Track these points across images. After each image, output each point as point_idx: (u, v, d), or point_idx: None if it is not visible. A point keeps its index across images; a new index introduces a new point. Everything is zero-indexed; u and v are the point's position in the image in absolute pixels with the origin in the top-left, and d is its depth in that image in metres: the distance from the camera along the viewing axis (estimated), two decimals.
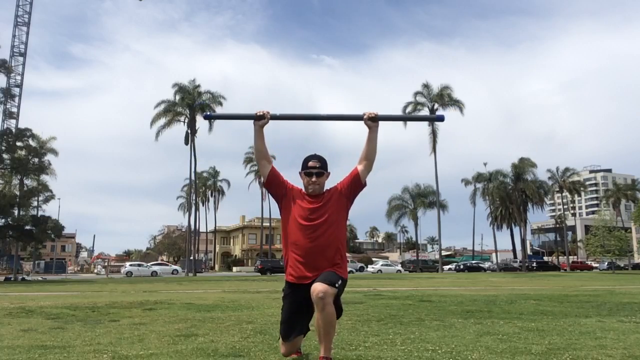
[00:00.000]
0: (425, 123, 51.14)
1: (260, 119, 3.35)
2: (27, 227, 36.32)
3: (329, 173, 3.45)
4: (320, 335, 3.14)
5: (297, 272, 3.33)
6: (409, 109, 51.13)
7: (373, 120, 3.33)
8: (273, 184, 3.45)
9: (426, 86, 51.11)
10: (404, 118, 4.31)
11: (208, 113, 4.05)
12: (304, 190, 3.42)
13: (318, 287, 3.07)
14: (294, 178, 3.53)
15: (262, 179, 3.58)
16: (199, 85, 45.58)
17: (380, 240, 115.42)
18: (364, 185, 3.42)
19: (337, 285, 3.16)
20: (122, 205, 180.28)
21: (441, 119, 3.62)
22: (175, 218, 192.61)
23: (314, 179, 3.34)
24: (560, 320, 6.14)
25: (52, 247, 75.69)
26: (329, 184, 3.48)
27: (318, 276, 3.21)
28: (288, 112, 3.46)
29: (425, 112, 51.25)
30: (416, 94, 51.39)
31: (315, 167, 3.36)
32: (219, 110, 46.10)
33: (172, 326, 5.57)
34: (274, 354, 3.84)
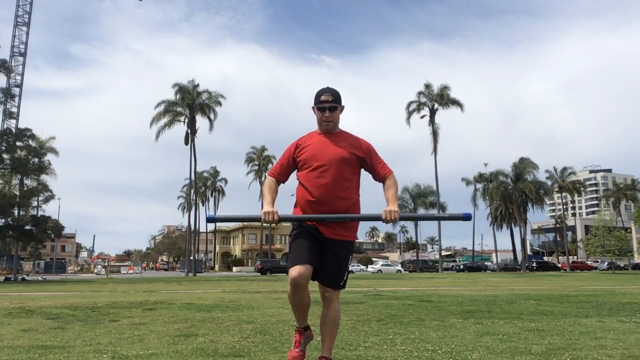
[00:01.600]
0: (426, 120, 51.44)
1: (267, 222, 3.07)
2: (27, 227, 36.35)
3: (343, 107, 3.27)
4: (323, 334, 3.14)
5: (306, 210, 3.15)
6: (411, 108, 51.54)
7: (393, 222, 3.13)
8: (286, 175, 3.30)
9: (427, 86, 51.37)
10: (428, 218, 3.80)
11: (211, 215, 3.31)
12: (317, 128, 3.27)
13: (325, 287, 3.11)
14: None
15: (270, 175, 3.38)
16: (197, 85, 45.61)
17: (380, 240, 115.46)
18: (375, 179, 3.29)
19: (342, 283, 3.15)
20: (122, 205, 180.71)
21: (468, 217, 3.22)
22: (175, 218, 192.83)
23: (327, 114, 3.17)
24: (560, 320, 6.14)
25: (52, 247, 75.71)
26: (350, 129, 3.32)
27: (329, 225, 3.09)
28: (298, 215, 3.17)
29: (426, 112, 51.47)
30: (419, 93, 51.65)
31: (327, 100, 3.17)
32: (218, 109, 46.16)
33: (172, 326, 5.56)
34: (274, 354, 3.84)
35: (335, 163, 3.12)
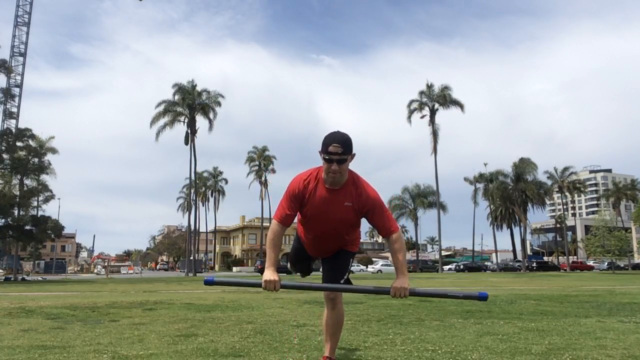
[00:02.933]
0: (426, 120, 51.53)
1: (269, 290, 2.94)
2: (27, 227, 36.32)
3: (354, 154, 2.95)
4: (327, 335, 3.15)
5: (307, 244, 3.34)
6: (413, 107, 51.72)
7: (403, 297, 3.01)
8: (294, 215, 3.12)
9: (429, 86, 51.52)
10: (442, 296, 3.58)
11: (210, 279, 3.18)
12: (323, 175, 3.00)
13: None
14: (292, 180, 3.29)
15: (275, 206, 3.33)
16: (196, 85, 45.63)
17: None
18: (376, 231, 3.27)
19: (343, 281, 3.21)
20: (122, 205, 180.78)
21: (484, 298, 3.06)
22: (175, 218, 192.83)
23: (334, 167, 2.85)
24: (560, 320, 6.14)
25: (52, 247, 75.74)
26: (360, 172, 3.15)
27: (329, 253, 3.25)
28: (300, 283, 3.15)
29: (426, 112, 51.59)
30: (421, 93, 51.78)
31: (336, 152, 2.82)
32: (218, 109, 46.17)
33: (172, 326, 5.56)
34: (274, 354, 3.84)
35: (335, 226, 3.10)
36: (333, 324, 3.12)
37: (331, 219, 3.03)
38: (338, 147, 2.83)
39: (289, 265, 3.60)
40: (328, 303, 3.11)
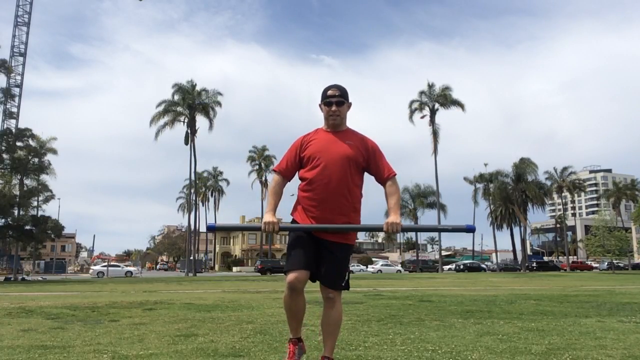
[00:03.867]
0: (426, 120, 51.54)
1: (267, 232, 3.09)
2: (27, 227, 36.34)
3: (351, 103, 3.22)
4: (325, 334, 3.15)
5: (304, 216, 3.14)
6: (414, 107, 51.74)
7: (395, 232, 3.11)
8: (294, 168, 3.21)
9: (430, 86, 51.56)
10: (431, 229, 3.57)
11: (212, 224, 3.21)
12: (323, 125, 3.23)
13: (327, 289, 3.10)
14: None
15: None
16: (196, 85, 45.61)
17: (380, 240, 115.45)
18: (379, 182, 3.24)
19: (344, 283, 3.15)
20: (122, 205, 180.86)
21: (471, 230, 3.22)
22: (175, 218, 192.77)
23: (333, 108, 3.12)
24: (560, 320, 6.14)
25: (52, 247, 75.75)
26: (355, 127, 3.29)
27: (329, 233, 3.07)
28: (299, 225, 3.13)
29: (426, 112, 51.62)
30: (421, 93, 51.81)
31: (334, 95, 3.14)
32: (217, 109, 46.16)
33: (172, 326, 5.56)
34: (274, 354, 3.84)
35: (340, 162, 3.08)
36: (331, 323, 3.11)
37: (335, 152, 3.10)
38: (336, 90, 3.15)
39: (285, 267, 3.19)
40: (327, 302, 3.10)
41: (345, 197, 3.10)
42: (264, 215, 3.11)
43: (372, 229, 3.18)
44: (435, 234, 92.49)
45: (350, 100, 3.21)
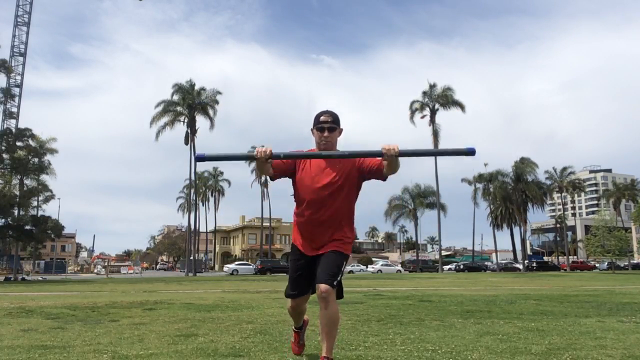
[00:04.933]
0: (426, 120, 51.54)
1: (259, 159, 3.00)
2: (27, 227, 36.32)
3: (342, 129, 3.31)
4: (323, 334, 3.14)
5: (301, 239, 3.32)
6: (415, 107, 51.73)
7: (394, 157, 3.05)
8: (281, 170, 3.27)
9: (432, 86, 51.57)
10: (429, 153, 3.42)
11: (201, 154, 3.11)
12: (315, 148, 3.30)
13: (321, 287, 3.09)
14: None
15: (269, 178, 3.41)
16: (195, 84, 45.60)
17: (380, 240, 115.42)
18: (384, 179, 3.23)
19: (338, 278, 3.18)
20: (122, 205, 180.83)
21: (472, 152, 3.10)
22: (175, 218, 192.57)
23: (325, 133, 3.20)
24: (560, 320, 6.14)
25: (52, 247, 75.78)
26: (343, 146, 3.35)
27: (323, 248, 3.21)
28: (293, 151, 3.22)
29: (427, 112, 51.63)
30: (424, 93, 51.80)
31: (327, 121, 3.22)
32: (217, 108, 46.12)
33: (172, 326, 5.56)
34: (274, 354, 3.84)
35: (331, 189, 3.19)
36: (327, 324, 3.10)
37: (325, 183, 3.19)
38: (328, 116, 3.24)
39: (285, 292, 3.47)
40: (321, 302, 3.09)
41: (338, 220, 3.26)
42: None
43: (369, 154, 3.13)
44: (435, 234, 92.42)
45: (341, 127, 3.30)
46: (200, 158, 3.06)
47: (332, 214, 3.23)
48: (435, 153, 3.54)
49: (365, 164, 3.22)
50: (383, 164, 3.11)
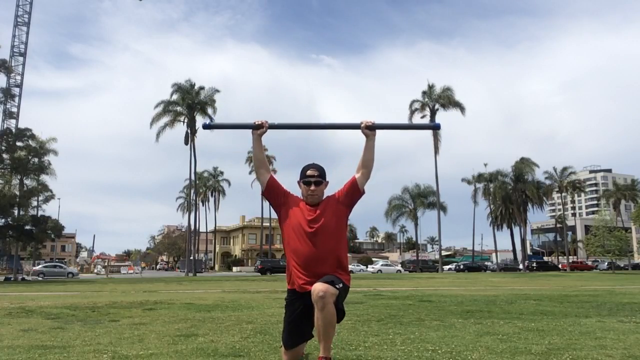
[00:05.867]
0: (426, 121, 51.47)
1: (258, 128, 3.35)
2: (27, 227, 36.30)
3: (328, 182, 3.44)
4: (319, 335, 3.13)
5: (298, 280, 3.31)
6: (414, 107, 51.79)
7: (370, 129, 3.35)
8: (272, 193, 3.45)
9: (431, 87, 51.53)
10: (400, 127, 3.89)
11: (207, 122, 3.58)
12: (302, 199, 3.42)
13: (318, 287, 3.06)
14: (293, 181, 3.52)
15: (260, 187, 3.55)
16: (194, 84, 45.58)
17: (380, 240, 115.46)
18: (363, 193, 3.41)
19: (337, 286, 3.13)
20: (122, 205, 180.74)
21: (437, 127, 3.66)
22: (175, 218, 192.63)
23: (312, 187, 3.33)
24: (560, 320, 6.14)
25: (52, 247, 75.85)
26: (328, 191, 3.47)
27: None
28: (286, 122, 3.48)
29: (427, 112, 51.61)
30: (423, 93, 51.77)
31: (313, 175, 3.35)
32: (216, 105, 46.11)
33: (172, 326, 5.57)
34: (274, 354, 3.84)
35: (322, 238, 3.27)
36: (323, 324, 3.09)
37: (317, 233, 3.30)
38: (315, 170, 3.38)
39: (283, 347, 3.39)
40: (317, 302, 3.08)
41: (331, 265, 3.29)
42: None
43: (349, 126, 3.44)
44: (435, 234, 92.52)
45: (327, 180, 3.43)
46: (207, 126, 3.55)
47: (328, 246, 3.28)
48: (404, 127, 3.99)
49: (343, 192, 3.39)
50: (355, 178, 3.38)
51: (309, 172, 3.37)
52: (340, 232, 3.38)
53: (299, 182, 3.41)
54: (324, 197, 3.43)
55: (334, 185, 3.50)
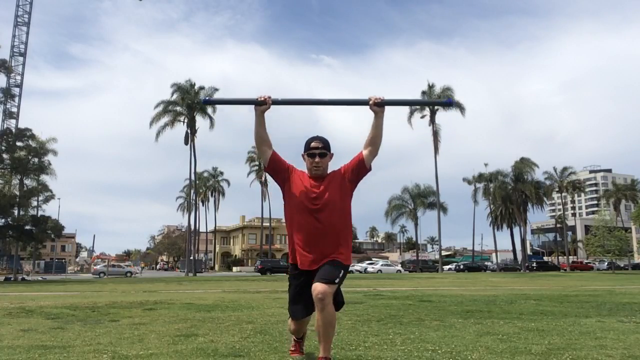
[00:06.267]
0: (426, 121, 51.50)
1: (261, 104, 3.26)
2: (27, 227, 36.31)
3: (332, 154, 3.38)
4: (320, 335, 3.14)
5: (301, 256, 3.29)
6: (414, 107, 51.64)
7: (379, 106, 3.26)
8: (275, 169, 3.38)
9: (430, 87, 51.53)
10: (411, 102, 3.89)
11: (206, 98, 3.56)
12: (307, 172, 3.37)
13: (318, 288, 3.07)
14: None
15: (263, 164, 3.51)
16: (195, 84, 45.57)
17: (380, 240, 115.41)
18: (369, 169, 3.37)
19: (336, 281, 3.16)
20: (122, 205, 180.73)
21: (449, 103, 3.61)
22: (175, 218, 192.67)
23: (317, 159, 3.28)
24: (560, 320, 6.14)
25: (52, 247, 75.75)
26: (332, 166, 3.43)
27: (322, 262, 3.21)
28: (289, 97, 3.40)
29: (426, 112, 51.60)
30: (423, 93, 51.75)
31: (318, 147, 3.29)
32: (215, 106, 46.02)
33: (172, 326, 5.56)
34: (274, 354, 3.84)
35: (325, 211, 3.25)
36: (323, 325, 3.10)
37: (320, 207, 3.26)
38: (319, 142, 3.32)
39: (290, 319, 3.53)
40: (318, 303, 3.09)
41: (334, 240, 3.27)
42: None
43: (357, 102, 3.35)
44: (435, 234, 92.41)
45: (332, 152, 3.37)
46: (207, 101, 3.61)
47: (332, 221, 3.25)
48: (415, 102, 3.91)
49: (349, 168, 3.36)
50: (362, 154, 3.33)
51: (313, 144, 3.31)
52: (345, 208, 3.34)
53: (303, 155, 3.36)
54: (329, 171, 3.39)
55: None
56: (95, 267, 46.80)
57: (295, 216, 3.31)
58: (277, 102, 3.26)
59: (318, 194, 3.26)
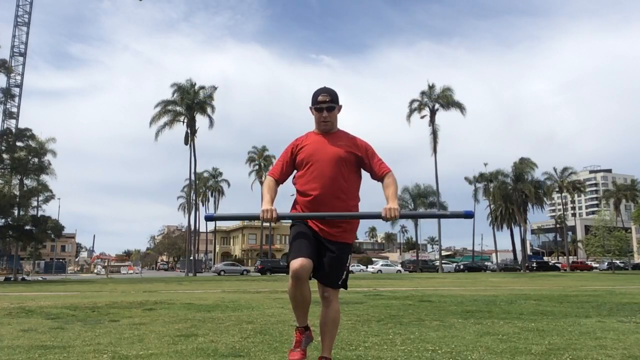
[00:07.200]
0: (426, 120, 51.55)
1: (267, 222, 3.12)
2: (27, 227, 36.32)
3: (341, 106, 3.23)
4: (323, 333, 3.14)
5: (304, 209, 3.13)
6: (413, 106, 51.78)
7: (393, 220, 3.11)
8: (289, 170, 3.23)
9: (430, 87, 51.54)
10: (429, 215, 3.75)
11: (210, 214, 3.29)
12: (315, 129, 3.25)
13: (324, 287, 3.09)
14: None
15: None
16: (195, 84, 45.57)
17: (380, 240, 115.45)
18: (363, 176, 3.26)
19: (340, 282, 3.12)
20: (122, 205, 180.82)
21: (470, 215, 3.25)
22: (175, 218, 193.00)
23: (324, 114, 3.14)
24: (560, 320, 6.14)
25: (52, 247, 75.69)
26: (346, 128, 3.28)
27: (327, 233, 3.07)
28: (298, 213, 3.17)
29: (426, 112, 51.62)
30: (422, 93, 51.77)
31: (325, 101, 3.14)
32: (215, 104, 46.09)
33: (172, 326, 5.56)
34: (274, 354, 3.84)
35: (332, 162, 3.09)
36: (328, 323, 3.10)
37: (327, 153, 3.11)
38: (326, 96, 3.14)
39: (288, 256, 3.15)
40: (323, 301, 3.09)
41: (339, 197, 3.09)
42: (262, 206, 3.03)
43: (369, 216, 3.16)
44: (435, 234, 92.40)
45: (340, 103, 3.22)
46: (209, 218, 3.32)
47: (339, 174, 3.10)
48: (435, 215, 3.66)
49: (365, 154, 3.17)
50: (381, 172, 3.16)
51: (320, 98, 3.15)
52: (352, 166, 3.16)
53: (310, 108, 3.21)
54: (340, 130, 3.25)
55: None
56: (215, 266, 50.19)
57: (300, 176, 3.19)
58: (283, 217, 3.04)
59: (324, 148, 3.14)
